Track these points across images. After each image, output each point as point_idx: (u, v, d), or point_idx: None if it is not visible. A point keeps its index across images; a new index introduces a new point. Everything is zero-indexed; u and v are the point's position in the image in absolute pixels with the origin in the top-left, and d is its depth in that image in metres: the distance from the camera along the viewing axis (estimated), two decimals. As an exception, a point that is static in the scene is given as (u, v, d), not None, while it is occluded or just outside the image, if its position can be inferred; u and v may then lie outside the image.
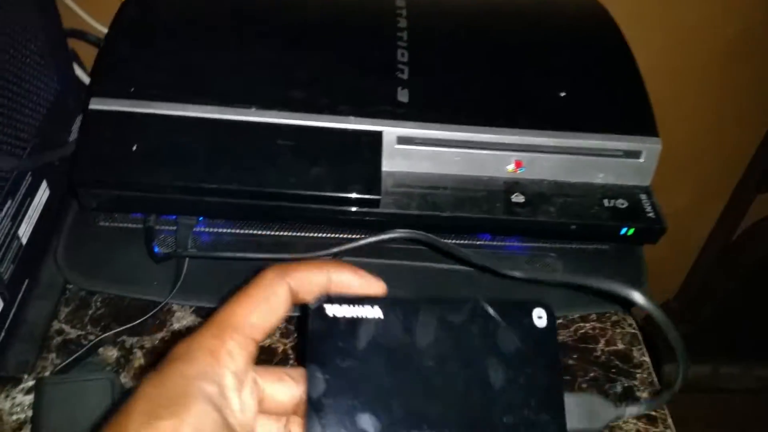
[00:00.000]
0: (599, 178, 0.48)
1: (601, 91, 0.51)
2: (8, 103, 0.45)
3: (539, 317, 0.29)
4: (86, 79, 0.69)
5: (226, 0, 0.55)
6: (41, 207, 0.50)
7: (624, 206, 0.47)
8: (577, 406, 0.29)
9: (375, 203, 0.45)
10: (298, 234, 0.51)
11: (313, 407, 0.26)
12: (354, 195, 0.44)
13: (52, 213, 0.52)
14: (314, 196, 0.44)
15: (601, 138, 0.47)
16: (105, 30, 0.65)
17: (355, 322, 0.27)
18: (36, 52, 0.50)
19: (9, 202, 0.45)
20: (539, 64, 0.53)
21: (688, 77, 0.84)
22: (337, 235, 0.51)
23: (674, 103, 0.77)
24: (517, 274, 0.39)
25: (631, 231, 0.46)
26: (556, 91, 0.50)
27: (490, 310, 0.28)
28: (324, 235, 0.51)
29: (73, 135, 0.56)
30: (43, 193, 0.50)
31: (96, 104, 0.45)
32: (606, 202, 0.47)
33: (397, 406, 0.26)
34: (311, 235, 0.51)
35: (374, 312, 0.27)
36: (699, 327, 1.15)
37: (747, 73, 0.84)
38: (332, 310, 0.27)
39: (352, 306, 0.27)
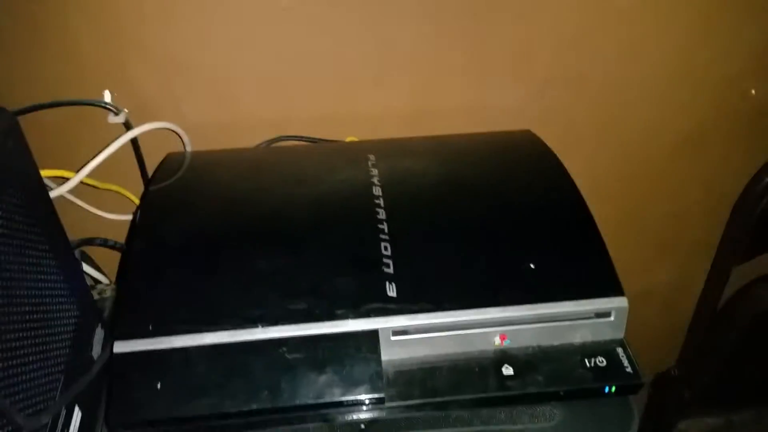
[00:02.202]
0: (578, 338, 0.54)
1: (567, 256, 0.57)
2: (41, 353, 0.50)
3: None
4: (99, 277, 0.74)
5: (218, 217, 0.62)
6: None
7: (603, 364, 0.52)
8: None
9: (381, 400, 0.49)
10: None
11: None
12: (361, 396, 0.49)
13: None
14: (326, 403, 0.49)
15: (573, 304, 0.53)
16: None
17: None
18: (54, 279, 0.54)
19: (51, 445, 0.49)
20: (507, 236, 0.59)
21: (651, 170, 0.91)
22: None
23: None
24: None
25: (613, 389, 0.51)
26: (527, 263, 0.55)
27: None
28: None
29: (95, 347, 0.61)
30: (77, 418, 0.55)
31: (120, 348, 0.50)
32: (587, 362, 0.52)
33: None
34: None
35: None
36: (705, 387, 1.19)
37: (704, 163, 0.92)
38: None
39: None
